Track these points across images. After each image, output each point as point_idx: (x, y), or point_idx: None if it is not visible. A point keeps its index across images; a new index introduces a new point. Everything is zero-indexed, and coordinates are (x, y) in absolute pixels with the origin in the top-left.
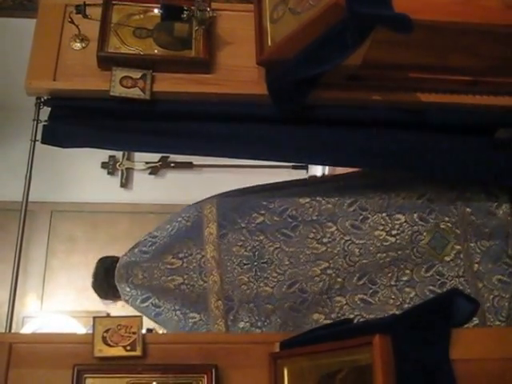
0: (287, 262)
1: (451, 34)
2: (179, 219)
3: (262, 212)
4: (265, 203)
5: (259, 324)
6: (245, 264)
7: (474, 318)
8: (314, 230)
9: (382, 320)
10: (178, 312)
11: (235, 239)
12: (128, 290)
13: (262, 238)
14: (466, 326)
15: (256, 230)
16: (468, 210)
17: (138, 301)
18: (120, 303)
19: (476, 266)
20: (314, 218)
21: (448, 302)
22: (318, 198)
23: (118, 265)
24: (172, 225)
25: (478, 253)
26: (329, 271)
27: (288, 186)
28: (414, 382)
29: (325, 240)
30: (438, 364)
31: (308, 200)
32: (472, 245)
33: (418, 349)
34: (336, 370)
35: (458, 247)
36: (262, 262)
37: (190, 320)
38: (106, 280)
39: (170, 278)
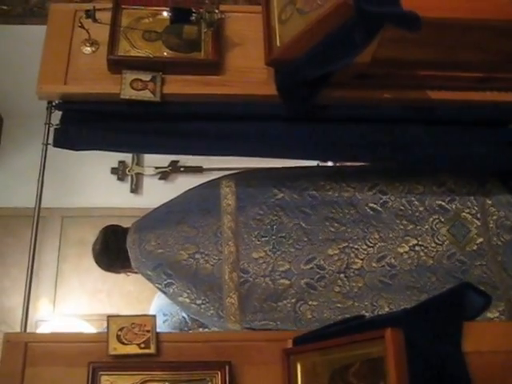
0: (305, 239)
1: (459, 31)
2: (195, 192)
3: (282, 189)
4: (284, 181)
5: (274, 298)
6: (262, 237)
7: (500, 304)
8: (333, 210)
9: (393, 314)
10: (189, 284)
11: (254, 212)
12: (140, 256)
13: (281, 213)
14: (491, 311)
15: (275, 206)
16: (488, 201)
17: (150, 268)
18: None
19: (499, 257)
20: (334, 198)
21: (460, 295)
22: (338, 181)
23: (130, 230)
24: (188, 197)
25: (500, 245)
26: (347, 250)
27: (309, 168)
28: (426, 374)
29: (344, 220)
30: (451, 357)
31: (329, 182)
32: (494, 237)
33: (431, 342)
34: (348, 363)
35: (481, 239)
36: (280, 237)
37: (202, 294)
38: (114, 249)
39: (184, 246)
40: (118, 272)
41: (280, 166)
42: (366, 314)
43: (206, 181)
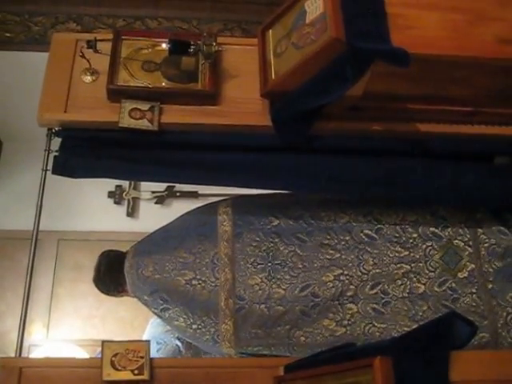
0: (301, 266)
1: (448, 67)
2: (193, 217)
3: (278, 216)
4: (281, 208)
5: (268, 324)
6: (258, 264)
7: (486, 335)
8: (328, 237)
9: (382, 343)
10: (185, 309)
11: (250, 239)
12: (137, 281)
13: (277, 240)
14: (476, 342)
15: (271, 232)
16: (479, 230)
17: (146, 293)
18: None
19: (490, 284)
20: (330, 225)
21: (446, 324)
22: (334, 208)
23: (128, 255)
24: (185, 222)
25: (491, 272)
26: (342, 278)
27: (304, 196)
28: None
29: (339, 247)
30: None
31: (324, 209)
32: (485, 264)
33: (418, 371)
34: None
35: (472, 265)
36: (276, 264)
37: (198, 319)
38: (108, 274)
39: (181, 272)
40: (115, 296)
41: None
42: (358, 343)
43: (204, 205)
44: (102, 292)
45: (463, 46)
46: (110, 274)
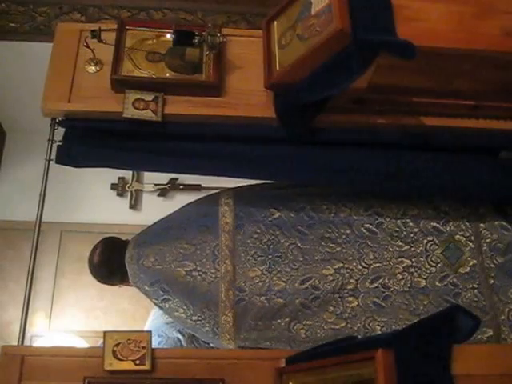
0: (301, 259)
1: (453, 60)
2: (194, 208)
3: (280, 208)
4: (282, 200)
5: (268, 316)
6: (259, 256)
7: (488, 330)
8: (329, 230)
9: (384, 335)
10: (186, 300)
11: (251, 231)
12: (138, 271)
13: (277, 232)
14: (479, 337)
15: (272, 225)
16: (481, 225)
17: (147, 283)
18: None
19: (491, 280)
20: (331, 218)
21: (449, 317)
22: (335, 201)
23: (128, 245)
24: (186, 213)
25: (493, 268)
26: (342, 271)
27: (306, 187)
28: None
29: (340, 240)
30: (440, 379)
31: (325, 202)
32: (487, 259)
33: (420, 364)
34: None
35: (474, 261)
36: (277, 256)
37: (198, 310)
38: (105, 263)
39: (182, 262)
40: (113, 284)
41: None
42: (359, 337)
43: (205, 195)
44: (99, 279)
45: (469, 38)
46: (118, 263)
